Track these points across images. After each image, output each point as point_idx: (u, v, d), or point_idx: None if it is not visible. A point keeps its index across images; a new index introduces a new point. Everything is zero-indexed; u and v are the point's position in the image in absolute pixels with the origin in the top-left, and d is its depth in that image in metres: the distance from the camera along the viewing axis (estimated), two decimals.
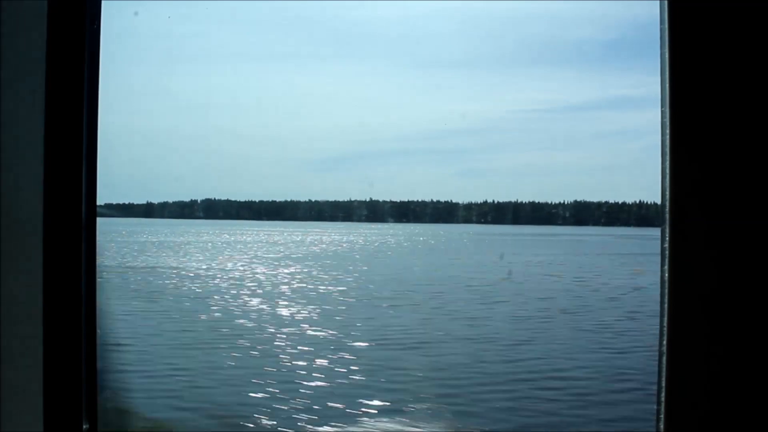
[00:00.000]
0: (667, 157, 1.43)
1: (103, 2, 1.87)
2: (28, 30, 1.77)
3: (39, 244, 1.76)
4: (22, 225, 1.78)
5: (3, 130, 1.78)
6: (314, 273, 30.00)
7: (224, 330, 15.48)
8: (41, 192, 1.76)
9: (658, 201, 1.48)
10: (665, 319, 1.42)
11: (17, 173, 1.78)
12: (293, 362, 12.21)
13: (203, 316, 17.43)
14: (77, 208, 1.82)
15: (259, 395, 9.86)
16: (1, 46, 1.78)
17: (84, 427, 1.84)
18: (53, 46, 1.76)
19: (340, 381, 10.81)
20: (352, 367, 11.58)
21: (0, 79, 1.77)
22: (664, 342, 1.42)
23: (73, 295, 1.81)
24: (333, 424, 8.64)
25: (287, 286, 24.34)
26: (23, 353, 1.78)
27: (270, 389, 10.13)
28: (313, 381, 10.76)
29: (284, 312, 18.18)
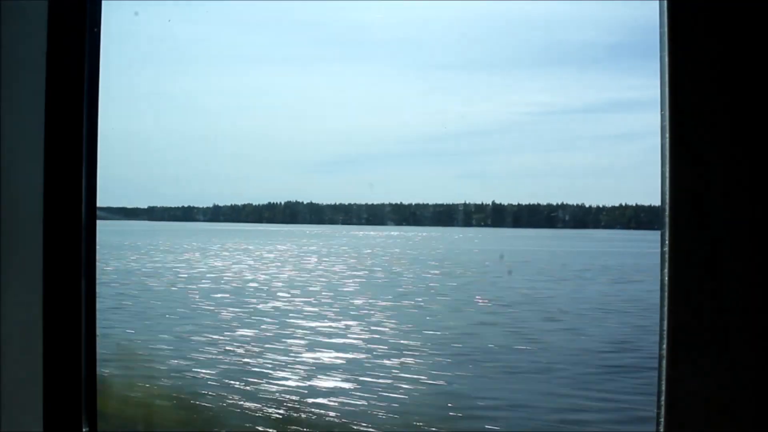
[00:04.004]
0: (667, 160, 1.43)
1: (103, 3, 1.87)
2: (28, 31, 1.77)
3: (39, 246, 1.76)
4: (22, 226, 1.78)
5: (3, 131, 1.78)
6: None
7: None
8: (41, 193, 1.76)
9: (658, 204, 1.48)
10: (665, 322, 1.42)
11: (17, 174, 1.78)
12: None
13: None
14: (77, 210, 1.82)
15: None
16: (2, 47, 1.78)
17: (84, 429, 1.84)
18: (53, 47, 1.77)
19: None
20: None
21: (0, 80, 1.78)
22: (664, 345, 1.42)
23: (73, 296, 1.81)
24: None
25: None
26: (23, 355, 1.78)
27: None
28: None
29: None
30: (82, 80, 1.82)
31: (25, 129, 1.78)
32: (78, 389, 1.82)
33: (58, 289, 1.79)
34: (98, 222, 1.88)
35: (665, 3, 1.42)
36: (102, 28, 1.87)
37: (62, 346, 1.79)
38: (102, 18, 1.87)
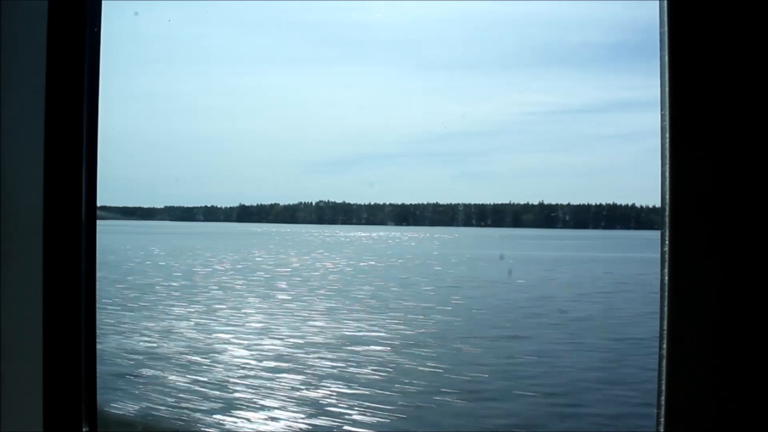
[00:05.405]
0: (667, 160, 1.43)
1: (103, 3, 1.87)
2: (28, 31, 1.77)
3: (39, 245, 1.76)
4: (22, 225, 1.78)
5: (3, 130, 1.78)
6: None
7: None
8: (41, 192, 1.76)
9: (658, 204, 1.48)
10: (665, 322, 1.42)
11: (17, 174, 1.78)
12: None
13: None
14: (77, 209, 1.82)
15: None
16: (2, 47, 1.78)
17: (84, 429, 1.84)
18: (53, 46, 1.77)
19: None
20: None
21: (0, 80, 1.78)
22: (664, 345, 1.42)
23: (73, 296, 1.82)
24: None
25: None
26: (23, 355, 1.78)
27: None
28: None
29: None
30: (82, 80, 1.82)
31: (25, 129, 1.77)
32: (78, 389, 1.82)
33: (58, 289, 1.79)
34: (116, 223, 1.88)
35: (665, 3, 1.42)
36: (102, 28, 1.87)
37: (62, 346, 1.79)
38: (102, 18, 1.87)
